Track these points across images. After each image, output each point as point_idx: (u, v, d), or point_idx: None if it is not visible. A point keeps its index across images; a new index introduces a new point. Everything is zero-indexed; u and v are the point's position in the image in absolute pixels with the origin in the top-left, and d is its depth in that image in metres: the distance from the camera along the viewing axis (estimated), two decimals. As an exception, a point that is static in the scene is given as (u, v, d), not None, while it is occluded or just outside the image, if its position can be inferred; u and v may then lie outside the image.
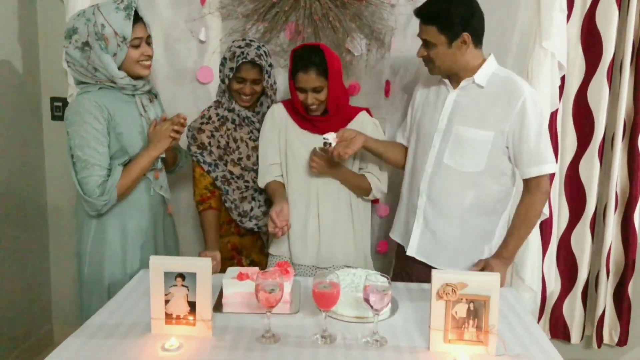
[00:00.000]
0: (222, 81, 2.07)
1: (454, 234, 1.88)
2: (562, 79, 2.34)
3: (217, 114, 2.11)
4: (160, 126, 1.89)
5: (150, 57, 1.87)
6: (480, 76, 1.82)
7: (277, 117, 2.08)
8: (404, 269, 2.01)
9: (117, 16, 1.76)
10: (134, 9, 1.79)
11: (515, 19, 2.26)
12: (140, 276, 1.78)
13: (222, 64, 2.05)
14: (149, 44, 1.87)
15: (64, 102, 2.55)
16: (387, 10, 2.31)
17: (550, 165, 1.78)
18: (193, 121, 2.12)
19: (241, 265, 2.14)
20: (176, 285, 1.43)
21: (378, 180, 2.09)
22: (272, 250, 2.13)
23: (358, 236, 2.11)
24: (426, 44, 1.83)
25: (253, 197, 2.14)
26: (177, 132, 1.90)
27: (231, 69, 2.01)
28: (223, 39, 2.36)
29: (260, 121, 2.13)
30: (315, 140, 2.01)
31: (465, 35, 1.77)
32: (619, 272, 2.46)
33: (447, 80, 1.88)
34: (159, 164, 1.94)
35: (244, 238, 2.17)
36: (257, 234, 2.18)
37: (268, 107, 2.13)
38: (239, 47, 2.01)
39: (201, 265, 1.42)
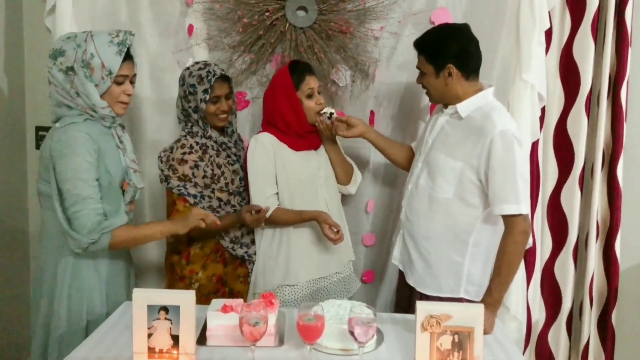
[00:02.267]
0: (194, 111, 2.02)
1: (422, 256, 1.93)
2: (543, 110, 2.39)
3: (197, 143, 2.05)
4: (196, 211, 1.84)
5: (130, 96, 1.82)
6: (463, 107, 1.86)
7: (270, 146, 2.05)
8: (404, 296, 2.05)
9: (109, 50, 1.72)
10: (127, 46, 1.75)
11: (495, 52, 2.31)
12: (122, 309, 1.75)
13: (191, 93, 2.01)
14: (132, 82, 1.83)
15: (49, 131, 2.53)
16: (371, 43, 2.36)
17: (513, 206, 1.75)
18: (167, 151, 2.03)
19: (225, 297, 2.09)
20: (159, 319, 1.42)
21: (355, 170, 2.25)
22: (291, 280, 2.05)
23: (348, 231, 2.24)
24: (420, 73, 1.93)
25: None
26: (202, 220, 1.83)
27: (205, 90, 1.99)
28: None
29: (236, 145, 2.15)
30: (315, 158, 2.12)
31: (450, 67, 1.82)
32: (602, 301, 2.47)
33: (444, 108, 1.95)
34: (138, 195, 1.91)
35: (227, 267, 2.13)
36: (240, 262, 2.14)
37: (235, 131, 2.17)
38: (200, 69, 2.03)
39: (185, 298, 1.42)
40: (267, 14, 2.30)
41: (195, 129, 2.06)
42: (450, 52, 1.82)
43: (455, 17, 2.31)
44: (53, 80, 1.76)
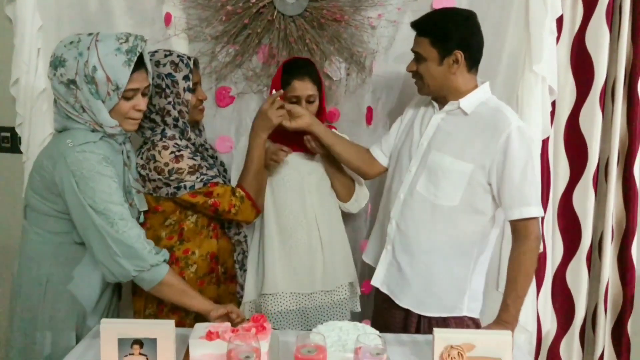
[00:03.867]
0: (174, 106, 1.72)
1: (421, 273, 1.72)
2: (553, 104, 2.23)
3: (177, 145, 1.70)
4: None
5: (141, 112, 1.60)
6: (467, 102, 1.69)
7: None
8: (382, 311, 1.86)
9: (116, 60, 1.48)
10: (137, 54, 1.51)
11: (503, 42, 2.15)
12: (91, 336, 1.53)
13: (168, 86, 1.71)
14: (144, 94, 1.59)
15: (12, 131, 2.32)
16: (368, 33, 2.18)
17: (534, 208, 1.62)
18: (151, 163, 1.67)
19: (218, 276, 1.84)
20: (133, 354, 1.21)
21: (359, 185, 2.04)
22: (270, 289, 1.90)
23: (351, 249, 2.07)
24: (417, 58, 1.72)
25: None
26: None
27: (186, 77, 1.71)
28: (190, 63, 2.18)
29: (210, 146, 1.93)
30: (308, 163, 1.95)
31: (458, 54, 1.64)
32: (617, 309, 2.32)
33: (435, 102, 1.76)
34: (141, 218, 1.71)
35: (220, 241, 1.86)
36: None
37: (203, 128, 1.94)
38: (167, 56, 1.73)
39: (162, 330, 1.21)
40: (253, 1, 2.10)
41: (169, 132, 1.73)
42: (460, 37, 1.64)
43: (459, 4, 2.13)
44: (55, 92, 1.54)
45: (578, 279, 2.32)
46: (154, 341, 1.21)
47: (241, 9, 2.11)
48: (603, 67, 2.19)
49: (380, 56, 2.20)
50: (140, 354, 1.21)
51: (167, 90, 1.71)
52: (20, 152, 2.27)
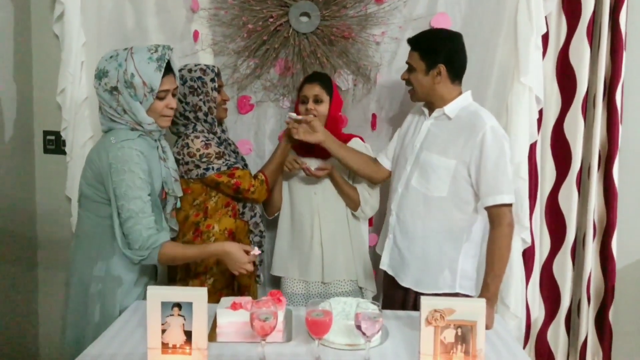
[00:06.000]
0: (205, 102, 2.03)
1: (417, 255, 1.97)
2: (540, 112, 2.44)
3: (206, 136, 2.03)
4: (242, 257, 1.82)
5: (173, 109, 1.86)
6: (450, 108, 1.95)
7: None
8: (390, 295, 2.10)
9: (148, 67, 1.75)
10: (166, 61, 1.77)
11: (494, 56, 2.37)
12: (134, 307, 1.80)
13: (199, 87, 2.02)
14: (174, 95, 1.86)
15: (57, 135, 2.59)
16: (373, 48, 2.42)
17: (506, 196, 1.84)
18: (185, 149, 1.99)
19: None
20: (173, 315, 1.46)
21: (368, 194, 2.25)
22: (277, 271, 2.31)
23: (356, 251, 2.29)
24: (409, 69, 2.00)
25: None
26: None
27: (212, 79, 2.05)
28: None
29: (233, 142, 2.22)
30: (313, 164, 2.21)
31: (441, 67, 1.91)
32: (599, 299, 2.51)
33: (426, 110, 2.02)
34: (178, 204, 2.00)
35: (237, 221, 2.14)
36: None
37: (226, 129, 2.25)
38: (196, 65, 2.07)
39: (197, 295, 1.46)
40: (271, 19, 2.35)
41: (199, 127, 2.05)
42: (444, 53, 1.92)
43: (454, 23, 2.36)
44: (100, 99, 1.80)
45: (563, 270, 2.51)
46: (190, 304, 1.45)
47: (261, 27, 2.37)
48: (585, 79, 2.39)
49: (384, 69, 2.44)
50: (179, 314, 1.46)
51: (199, 90, 2.04)
52: (63, 154, 2.54)
